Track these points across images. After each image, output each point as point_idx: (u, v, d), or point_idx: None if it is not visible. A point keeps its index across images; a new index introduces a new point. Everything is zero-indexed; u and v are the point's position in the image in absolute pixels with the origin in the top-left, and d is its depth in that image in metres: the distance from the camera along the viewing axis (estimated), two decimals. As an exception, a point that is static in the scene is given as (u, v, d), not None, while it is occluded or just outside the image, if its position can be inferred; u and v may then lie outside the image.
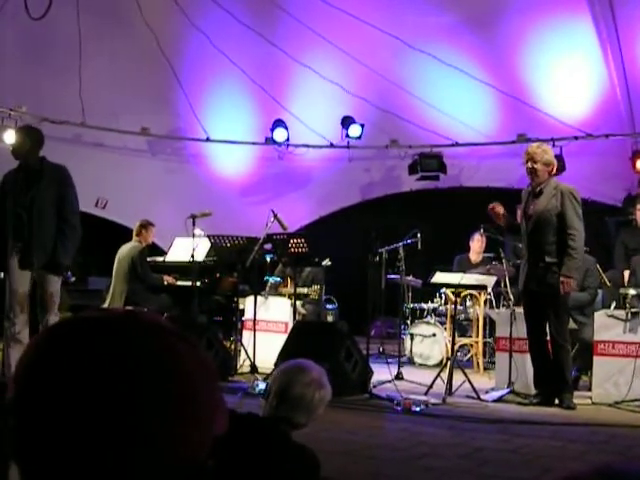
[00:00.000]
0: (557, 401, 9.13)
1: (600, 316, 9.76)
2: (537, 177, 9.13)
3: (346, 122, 15.79)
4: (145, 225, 12.64)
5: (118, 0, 14.86)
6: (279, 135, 16.12)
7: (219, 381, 1.31)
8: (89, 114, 15.35)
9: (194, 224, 11.23)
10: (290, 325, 11.38)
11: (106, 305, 12.11)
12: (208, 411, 1.24)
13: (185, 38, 15.40)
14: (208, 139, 16.73)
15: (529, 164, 9.12)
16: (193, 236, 11.23)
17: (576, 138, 14.72)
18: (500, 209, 9.41)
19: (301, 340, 10.02)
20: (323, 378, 3.93)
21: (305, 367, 3.96)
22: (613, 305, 10.15)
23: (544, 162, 9.11)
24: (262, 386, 8.87)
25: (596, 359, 9.64)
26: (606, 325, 9.60)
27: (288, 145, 16.51)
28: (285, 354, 9.68)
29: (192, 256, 11.25)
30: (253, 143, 16.91)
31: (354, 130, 15.80)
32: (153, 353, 1.21)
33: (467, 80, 14.74)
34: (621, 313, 9.54)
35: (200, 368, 1.25)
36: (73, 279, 13.13)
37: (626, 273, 11.01)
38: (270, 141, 16.38)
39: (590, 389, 9.80)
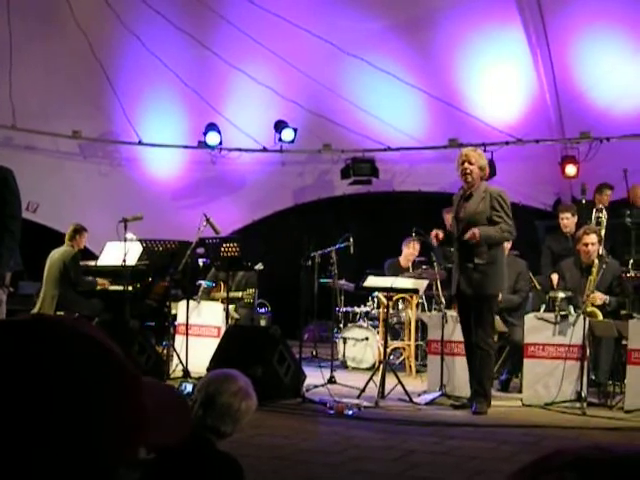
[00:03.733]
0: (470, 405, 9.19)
1: (530, 319, 9.87)
2: (472, 180, 9.19)
3: (279, 126, 15.79)
4: (79, 230, 12.52)
5: (50, 3, 14.72)
6: (212, 139, 16.06)
7: (141, 387, 1.30)
8: (20, 117, 15.19)
9: (126, 228, 11.15)
10: (223, 329, 11.34)
11: (36, 310, 11.97)
12: (122, 414, 1.24)
13: (118, 41, 15.28)
14: (140, 142, 16.62)
15: (465, 165, 9.16)
16: (125, 240, 11.15)
17: (507, 143, 14.89)
18: (440, 235, 9.40)
19: (234, 344, 10.00)
20: (249, 388, 3.93)
21: (232, 377, 3.95)
22: (543, 308, 10.27)
23: (479, 165, 9.20)
24: (189, 388, 8.84)
25: (526, 361, 9.76)
26: (536, 328, 9.71)
27: (221, 149, 16.47)
28: (218, 359, 9.66)
29: (124, 260, 11.17)
30: (185, 147, 16.84)
31: (287, 134, 15.80)
32: (60, 356, 1.20)
33: (399, 85, 14.84)
34: (550, 316, 9.66)
35: (112, 370, 1.25)
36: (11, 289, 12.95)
37: (554, 277, 11.15)
38: (203, 145, 16.32)
39: (521, 391, 9.91)
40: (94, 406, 1.20)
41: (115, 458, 1.23)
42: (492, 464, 6.64)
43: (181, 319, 11.79)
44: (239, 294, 12.72)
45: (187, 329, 11.13)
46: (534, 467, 1.08)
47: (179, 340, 11.53)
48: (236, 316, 12.68)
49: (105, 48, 15.33)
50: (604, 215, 12.07)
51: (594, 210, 12.19)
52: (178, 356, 11.02)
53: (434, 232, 9.40)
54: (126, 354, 1.29)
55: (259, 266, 12.45)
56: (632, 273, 11.17)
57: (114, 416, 1.22)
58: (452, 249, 9.73)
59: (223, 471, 3.60)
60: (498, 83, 14.63)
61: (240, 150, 16.64)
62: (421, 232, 12.13)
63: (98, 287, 12.39)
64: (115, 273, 12.16)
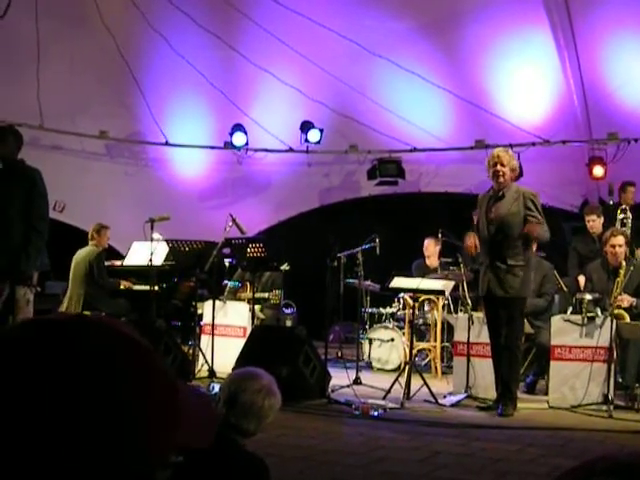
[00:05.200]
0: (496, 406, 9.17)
1: (557, 321, 9.83)
2: (504, 181, 9.15)
3: (305, 127, 15.79)
4: (98, 229, 12.56)
5: (78, 3, 14.78)
6: (238, 139, 16.08)
7: (177, 388, 1.31)
8: (47, 117, 15.25)
9: (152, 228, 11.19)
10: (249, 330, 11.36)
11: (63, 309, 12.03)
12: (161, 415, 1.24)
13: (145, 41, 15.33)
14: (167, 143, 16.66)
15: (498, 167, 9.11)
16: (151, 240, 11.18)
17: (534, 144, 14.83)
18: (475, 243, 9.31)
19: (260, 345, 10.00)
20: (273, 386, 3.91)
21: (255, 374, 3.94)
22: (570, 310, 10.23)
23: (511, 167, 9.16)
24: (217, 388, 8.84)
25: (553, 363, 9.72)
26: (563, 330, 9.68)
27: (247, 149, 16.49)
28: (243, 359, 9.67)
29: (150, 260, 11.20)
30: (212, 147, 16.86)
31: (313, 135, 15.80)
32: (103, 355, 1.21)
33: (426, 86, 14.81)
34: (577, 318, 9.62)
35: (153, 372, 1.25)
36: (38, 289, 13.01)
37: (581, 279, 11.10)
38: (229, 145, 16.34)
39: (547, 393, 9.88)
40: (135, 407, 1.20)
41: (153, 459, 1.23)
42: (518, 466, 6.61)
43: (207, 319, 11.82)
44: (265, 295, 12.73)
45: (213, 329, 11.16)
46: (577, 472, 1.08)
47: (205, 340, 11.57)
48: (262, 316, 12.70)
49: (132, 48, 15.38)
50: (629, 216, 12.04)
51: (618, 211, 12.15)
52: (204, 356, 11.05)
53: (472, 242, 9.27)
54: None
55: (285, 266, 12.46)
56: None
57: (154, 418, 1.22)
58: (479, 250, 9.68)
59: (249, 471, 3.59)
60: (525, 84, 14.59)
61: (266, 151, 16.65)
62: (447, 233, 12.11)
63: (122, 287, 12.44)
64: (142, 273, 12.20)
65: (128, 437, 1.19)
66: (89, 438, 1.17)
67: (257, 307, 12.23)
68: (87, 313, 12.03)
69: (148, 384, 1.23)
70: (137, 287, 12.45)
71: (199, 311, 11.99)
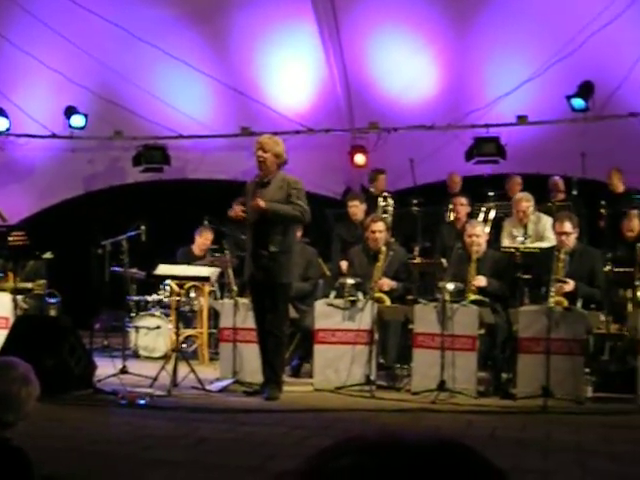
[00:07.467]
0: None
1: (320, 305, 10.06)
2: (266, 167, 9.23)
3: (69, 112, 15.50)
4: None
5: None
6: (-1, 124, 15.63)
7: None
8: None
9: None
10: (11, 321, 11.07)
11: None
12: None
13: None
14: None
15: (259, 153, 9.20)
16: None
17: (298, 132, 15.08)
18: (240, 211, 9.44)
19: (23, 336, 9.76)
20: (29, 373, 3.86)
21: (9, 363, 3.87)
22: (333, 294, 10.49)
23: (274, 153, 9.21)
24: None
25: (317, 347, 9.95)
26: (326, 314, 9.91)
27: (9, 135, 16.02)
28: (6, 351, 9.42)
29: None
30: (-29, 132, 16.30)
31: (77, 120, 15.53)
32: None
33: (192, 73, 14.84)
34: (340, 302, 9.89)
35: None
36: None
37: (343, 264, 11.38)
38: (-11, 131, 15.85)
39: (312, 376, 10.09)
40: None
41: None
42: (285, 449, 6.75)
43: (-34, 310, 11.44)
44: (28, 284, 12.42)
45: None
46: (328, 452, 1.14)
47: (-35, 332, 11.19)
48: (25, 306, 12.39)
49: None
50: (390, 203, 12.48)
51: (380, 199, 12.57)
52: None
53: (235, 211, 9.45)
54: None
55: (48, 255, 12.19)
56: (418, 260, 11.55)
57: None
58: (244, 236, 9.79)
59: (9, 463, 3.53)
60: (291, 74, 14.86)
61: (29, 136, 16.22)
62: (212, 220, 12.17)
63: None
64: None
65: None
66: None
67: (20, 297, 11.92)
68: None
69: None
70: None
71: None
